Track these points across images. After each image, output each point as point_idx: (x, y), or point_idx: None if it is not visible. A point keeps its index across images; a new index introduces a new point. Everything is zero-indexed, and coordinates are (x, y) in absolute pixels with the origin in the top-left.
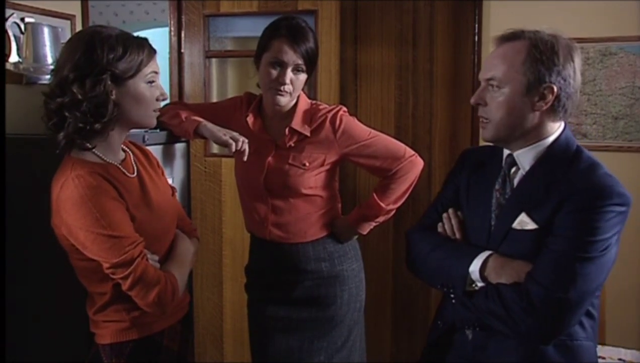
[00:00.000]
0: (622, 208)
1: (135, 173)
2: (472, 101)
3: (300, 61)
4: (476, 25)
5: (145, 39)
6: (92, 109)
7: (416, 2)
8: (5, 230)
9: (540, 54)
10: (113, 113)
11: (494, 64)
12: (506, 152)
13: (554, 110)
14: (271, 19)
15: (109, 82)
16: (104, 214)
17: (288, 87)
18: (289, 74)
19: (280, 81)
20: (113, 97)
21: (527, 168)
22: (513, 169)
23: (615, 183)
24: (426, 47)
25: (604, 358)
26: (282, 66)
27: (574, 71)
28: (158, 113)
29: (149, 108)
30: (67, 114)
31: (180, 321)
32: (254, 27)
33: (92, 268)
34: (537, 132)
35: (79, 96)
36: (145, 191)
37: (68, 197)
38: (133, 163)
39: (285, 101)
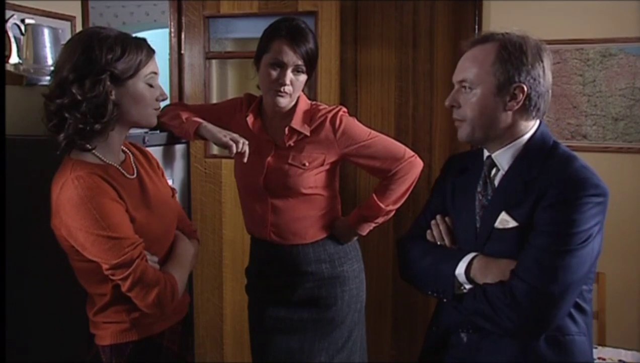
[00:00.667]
0: (599, 199)
1: (135, 174)
2: (447, 103)
3: (300, 62)
4: (476, 27)
5: (143, 40)
6: (92, 110)
7: (416, 2)
8: (5, 232)
9: (508, 55)
10: (113, 113)
11: (466, 67)
12: (486, 154)
13: (526, 109)
14: (271, 20)
15: (108, 83)
16: (104, 216)
17: (288, 88)
18: (289, 75)
19: (280, 82)
20: (112, 97)
21: (506, 167)
22: (493, 171)
23: (590, 175)
24: (426, 48)
25: (604, 359)
26: (282, 66)
27: (544, 70)
28: (158, 113)
29: (148, 108)
30: (67, 115)
31: (180, 322)
32: (254, 28)
33: (91, 269)
34: (512, 132)
35: (79, 97)
36: (145, 192)
37: (68, 198)
38: (133, 164)
39: (285, 102)
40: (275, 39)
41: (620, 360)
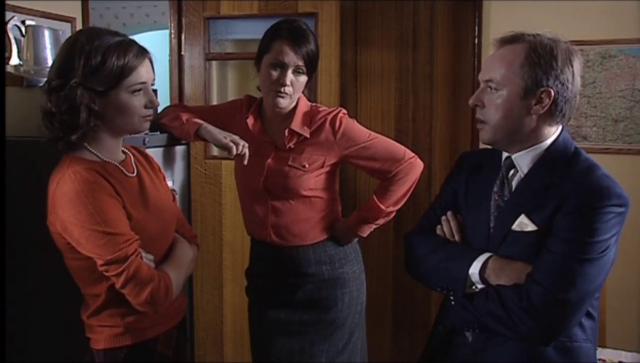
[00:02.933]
0: (621, 209)
1: (135, 173)
2: (470, 102)
3: (300, 63)
4: (476, 28)
5: (135, 44)
6: (65, 121)
7: (416, 3)
8: (5, 233)
9: (538, 58)
10: (89, 124)
11: (494, 67)
12: (504, 155)
13: (551, 114)
14: (271, 22)
15: (85, 94)
16: (100, 211)
17: (288, 89)
18: (290, 75)
19: (281, 82)
20: (96, 107)
21: (526, 170)
22: (511, 172)
23: (613, 184)
24: (426, 50)
25: (604, 360)
26: (282, 67)
27: (573, 75)
28: (149, 119)
29: (134, 117)
30: (47, 123)
31: (177, 326)
32: (254, 30)
33: (86, 268)
34: (535, 136)
35: (53, 109)
36: (143, 192)
37: (64, 193)
38: (133, 164)
39: (285, 103)
40: (277, 39)
41: (620, 362)
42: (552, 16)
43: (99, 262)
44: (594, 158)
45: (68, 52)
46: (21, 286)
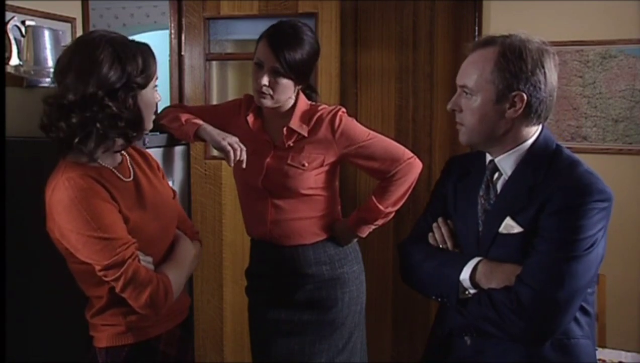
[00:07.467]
0: (604, 204)
1: (132, 177)
2: (448, 107)
3: (277, 65)
4: (476, 28)
5: (149, 46)
6: (131, 121)
7: (416, 3)
8: (5, 234)
9: (507, 63)
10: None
11: (467, 72)
12: (488, 158)
13: (527, 116)
14: (271, 22)
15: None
16: (95, 217)
17: (266, 89)
18: (265, 76)
19: (258, 81)
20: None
21: (509, 172)
22: (496, 175)
23: (595, 180)
24: (426, 50)
25: (604, 361)
26: (261, 67)
27: (545, 75)
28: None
29: (152, 113)
30: (98, 125)
31: (180, 326)
32: (254, 30)
33: (87, 272)
34: (514, 138)
35: (119, 110)
36: (141, 194)
37: (59, 200)
38: (130, 166)
39: (267, 103)
40: (261, 39)
41: (620, 362)
42: (552, 16)
43: (97, 267)
44: (594, 158)
45: (114, 57)
46: (22, 286)
